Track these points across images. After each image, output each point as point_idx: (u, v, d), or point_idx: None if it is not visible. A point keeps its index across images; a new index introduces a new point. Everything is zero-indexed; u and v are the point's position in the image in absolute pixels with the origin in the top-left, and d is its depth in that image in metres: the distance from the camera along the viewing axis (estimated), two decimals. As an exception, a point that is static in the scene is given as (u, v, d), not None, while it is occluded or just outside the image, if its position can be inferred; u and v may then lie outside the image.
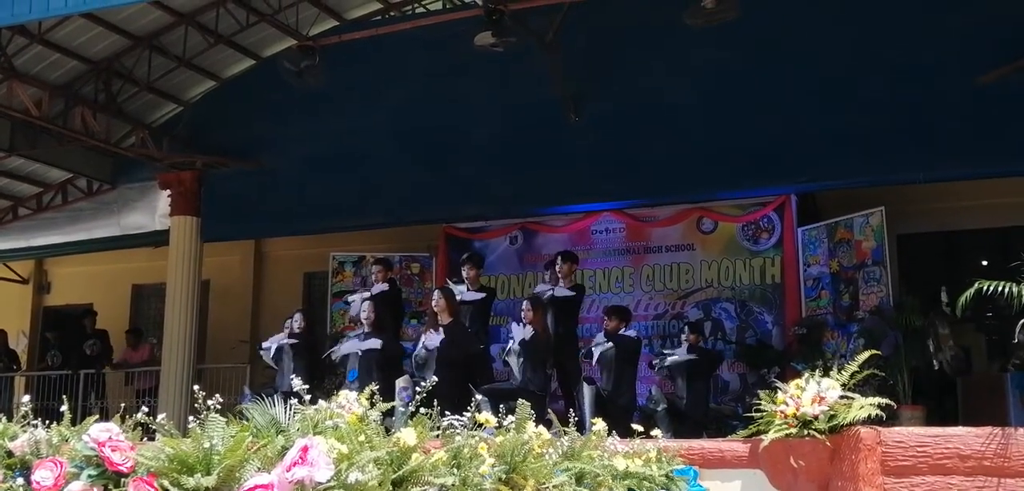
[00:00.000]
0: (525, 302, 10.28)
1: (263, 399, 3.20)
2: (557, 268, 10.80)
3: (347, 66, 12.03)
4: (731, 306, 12.35)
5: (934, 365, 10.21)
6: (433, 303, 10.25)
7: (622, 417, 9.80)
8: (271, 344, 11.38)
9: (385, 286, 11.58)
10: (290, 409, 3.14)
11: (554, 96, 11.63)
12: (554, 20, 10.93)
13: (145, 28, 12.22)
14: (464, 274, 10.89)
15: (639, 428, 5.67)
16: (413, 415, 3.50)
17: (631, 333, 10.52)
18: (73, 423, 3.36)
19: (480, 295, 10.81)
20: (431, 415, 3.57)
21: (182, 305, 13.36)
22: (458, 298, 10.38)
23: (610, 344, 10.20)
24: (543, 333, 9.95)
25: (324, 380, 11.21)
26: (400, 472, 3.10)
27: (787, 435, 5.43)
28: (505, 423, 4.06)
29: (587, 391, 9.89)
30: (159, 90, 13.38)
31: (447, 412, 3.78)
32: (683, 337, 11.10)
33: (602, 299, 12.38)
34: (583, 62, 11.68)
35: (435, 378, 4.05)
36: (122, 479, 2.64)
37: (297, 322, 11.47)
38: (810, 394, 5.44)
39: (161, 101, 13.72)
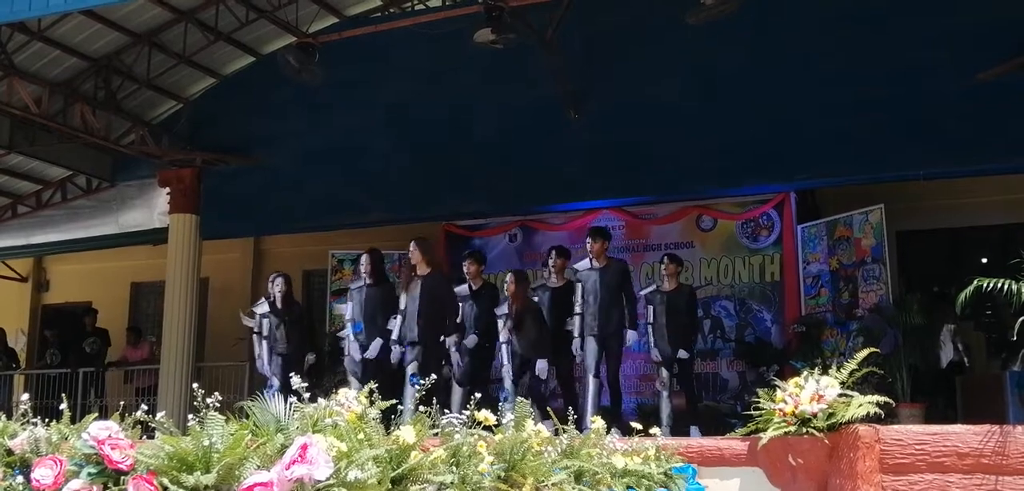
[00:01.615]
0: (509, 274, 10.40)
1: (262, 396, 3.20)
2: (550, 263, 10.82)
3: (346, 63, 12.04)
4: (730, 304, 12.36)
5: (965, 362, 10.27)
6: (409, 254, 10.16)
7: (615, 345, 9.84)
8: (256, 318, 11.21)
9: (370, 280, 11.31)
10: (289, 407, 3.15)
11: (554, 94, 11.63)
12: (553, 17, 10.91)
13: (145, 25, 12.22)
14: (465, 270, 10.86)
15: (638, 425, 5.68)
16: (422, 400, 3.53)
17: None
18: (72, 421, 3.36)
19: (463, 288, 10.83)
20: (430, 413, 3.58)
21: (181, 303, 13.36)
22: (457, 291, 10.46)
23: (594, 271, 10.07)
24: (525, 307, 10.06)
25: (322, 358, 11.32)
26: (399, 470, 3.10)
27: (786, 433, 5.44)
28: (504, 421, 4.07)
29: (592, 384, 9.89)
30: (159, 87, 13.37)
31: (423, 375, 3.80)
32: (662, 269, 10.69)
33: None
34: (583, 60, 11.67)
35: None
36: (122, 477, 2.64)
37: (278, 287, 11.21)
38: (809, 392, 5.45)
39: (161, 98, 13.72)
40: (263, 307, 11.24)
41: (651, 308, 10.56)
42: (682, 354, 10.31)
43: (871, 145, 10.51)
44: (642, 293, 10.82)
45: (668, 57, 11.40)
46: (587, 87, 11.74)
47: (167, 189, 13.83)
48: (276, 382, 10.57)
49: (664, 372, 10.33)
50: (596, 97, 11.77)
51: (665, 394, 10.27)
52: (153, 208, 14.44)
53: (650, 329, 10.51)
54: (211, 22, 12.29)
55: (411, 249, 10.17)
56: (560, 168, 11.86)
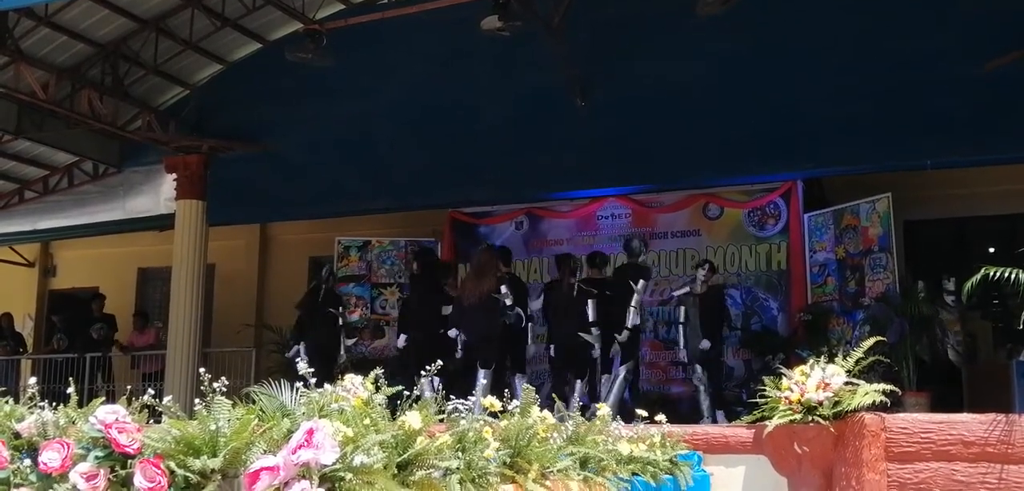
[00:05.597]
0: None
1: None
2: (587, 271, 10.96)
3: (353, 50, 12.03)
4: (737, 292, 12.34)
5: (945, 353, 10.26)
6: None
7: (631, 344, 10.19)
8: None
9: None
10: (296, 392, 3.15)
11: (560, 81, 11.60)
12: (561, 4, 10.88)
13: (152, 11, 12.22)
14: None
15: (643, 412, 5.68)
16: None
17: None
18: (79, 405, 3.37)
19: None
20: (437, 399, 3.58)
21: (188, 289, 13.38)
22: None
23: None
24: (567, 288, 10.47)
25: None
26: (405, 455, 3.10)
27: (791, 421, 5.44)
28: (510, 407, 4.07)
29: (609, 378, 9.99)
30: (166, 73, 13.38)
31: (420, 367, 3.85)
32: (701, 274, 10.96)
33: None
34: (590, 47, 11.64)
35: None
36: (129, 460, 2.65)
37: (326, 270, 12.44)
38: (815, 380, 5.44)
39: (167, 84, 13.73)
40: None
41: (682, 309, 10.85)
42: (704, 344, 10.60)
43: (878, 134, 10.48)
44: (675, 294, 11.12)
45: (674, 44, 11.37)
46: (593, 74, 11.71)
47: (174, 175, 13.84)
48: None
49: (698, 369, 10.59)
50: (602, 84, 11.74)
51: (702, 389, 10.56)
52: (160, 194, 14.46)
53: (682, 329, 10.84)
54: (218, 8, 12.29)
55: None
56: (566, 156, 11.85)
